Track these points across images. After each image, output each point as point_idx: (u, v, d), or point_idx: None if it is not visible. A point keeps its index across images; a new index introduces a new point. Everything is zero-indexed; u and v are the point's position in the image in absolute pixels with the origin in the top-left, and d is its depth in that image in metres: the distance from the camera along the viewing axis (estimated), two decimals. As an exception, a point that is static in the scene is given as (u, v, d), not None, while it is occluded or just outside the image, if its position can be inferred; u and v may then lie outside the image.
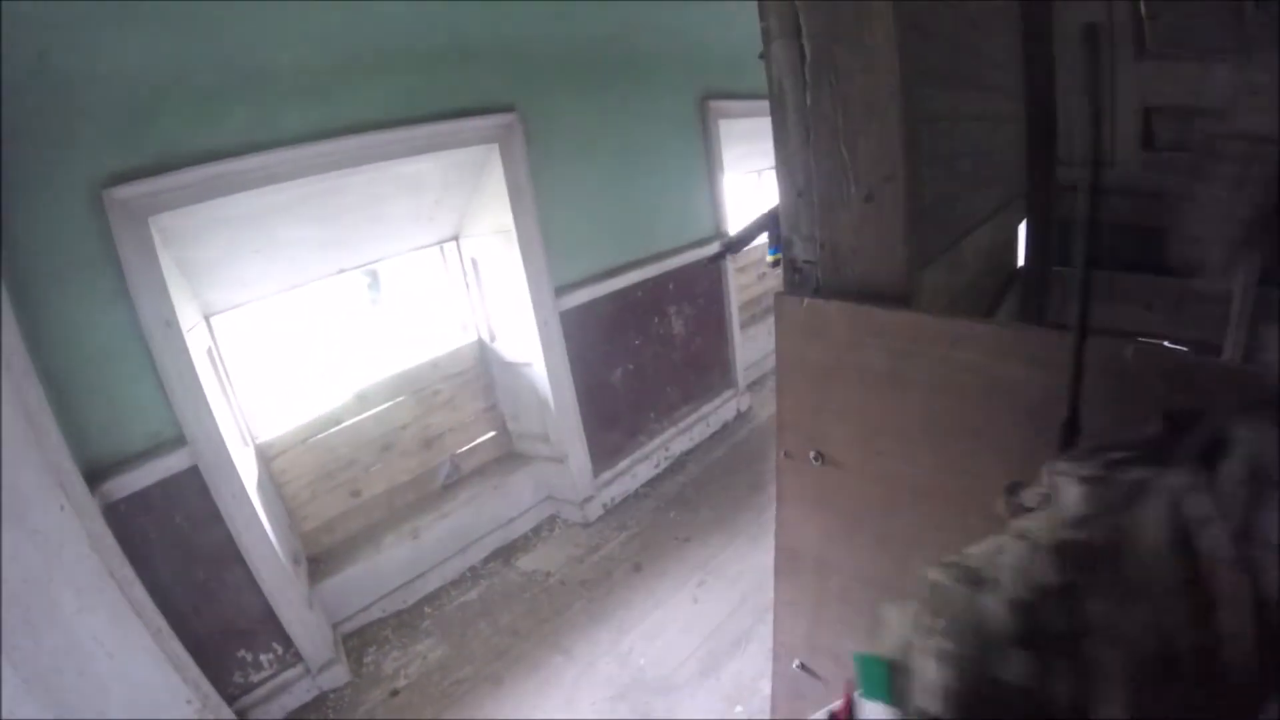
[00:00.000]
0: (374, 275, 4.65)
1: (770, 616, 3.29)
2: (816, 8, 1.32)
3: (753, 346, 6.07)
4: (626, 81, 4.37)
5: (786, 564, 1.93)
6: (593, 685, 3.41)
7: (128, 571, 2.74)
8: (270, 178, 3.04)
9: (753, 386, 6.10)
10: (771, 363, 5.65)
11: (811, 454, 1.60)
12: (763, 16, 1.41)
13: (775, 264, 3.22)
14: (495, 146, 3.76)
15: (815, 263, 1.52)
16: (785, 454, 1.68)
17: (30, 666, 2.51)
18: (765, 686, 3.00)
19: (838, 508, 1.66)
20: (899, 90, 1.29)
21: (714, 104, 5.04)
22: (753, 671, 3.30)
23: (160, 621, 2.85)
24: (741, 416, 5.82)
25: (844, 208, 1.43)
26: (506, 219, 3.93)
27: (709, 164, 5.19)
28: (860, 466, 1.56)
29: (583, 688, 3.41)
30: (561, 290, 4.27)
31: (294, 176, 3.12)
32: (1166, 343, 2.93)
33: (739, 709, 3.16)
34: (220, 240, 3.18)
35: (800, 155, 1.45)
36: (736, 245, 3.28)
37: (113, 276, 2.74)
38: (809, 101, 1.39)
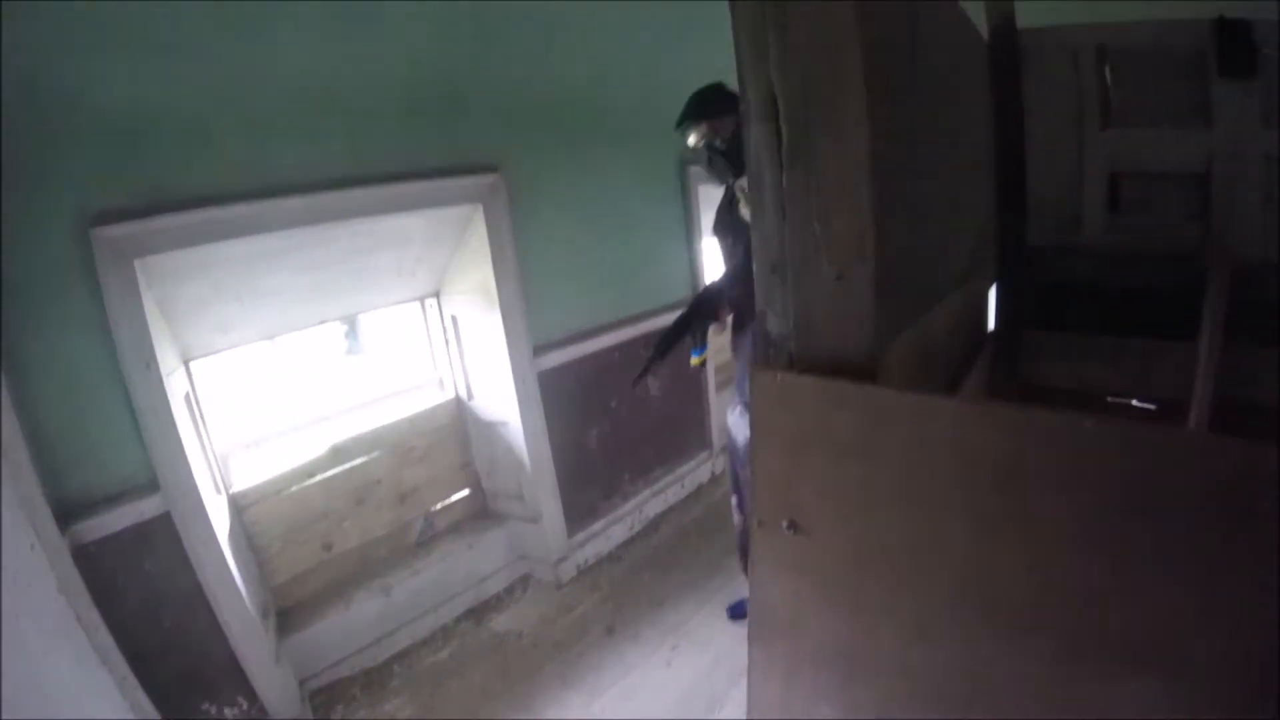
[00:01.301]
0: (352, 324, 4.64)
1: (744, 681, 3.32)
2: (793, 94, 1.38)
3: (721, 408, 6.02)
4: (608, 143, 4.47)
5: (760, 629, 1.93)
6: None
7: (94, 616, 2.67)
8: (259, 226, 3.07)
9: (726, 449, 6.05)
10: None
11: (784, 522, 1.62)
12: (742, 98, 1.47)
13: (701, 365, 3.61)
14: (479, 206, 3.81)
15: (789, 336, 1.56)
16: (759, 523, 1.70)
17: None
18: (739, 751, 3.10)
19: (810, 575, 1.66)
20: (870, 177, 1.34)
21: (694, 169, 5.13)
22: None
23: (125, 670, 2.76)
24: (715, 479, 5.78)
25: (816, 284, 1.47)
26: (488, 277, 3.97)
27: (687, 228, 5.30)
28: (831, 535, 1.56)
29: None
30: (540, 350, 4.29)
31: (283, 226, 3.15)
32: (1134, 401, 3.01)
33: (712, 775, 3.12)
34: (204, 284, 3.19)
35: (776, 232, 1.50)
36: (662, 353, 3.52)
37: (95, 313, 2.72)
38: (785, 182, 1.44)
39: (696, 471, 5.66)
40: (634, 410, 5.00)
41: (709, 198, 5.31)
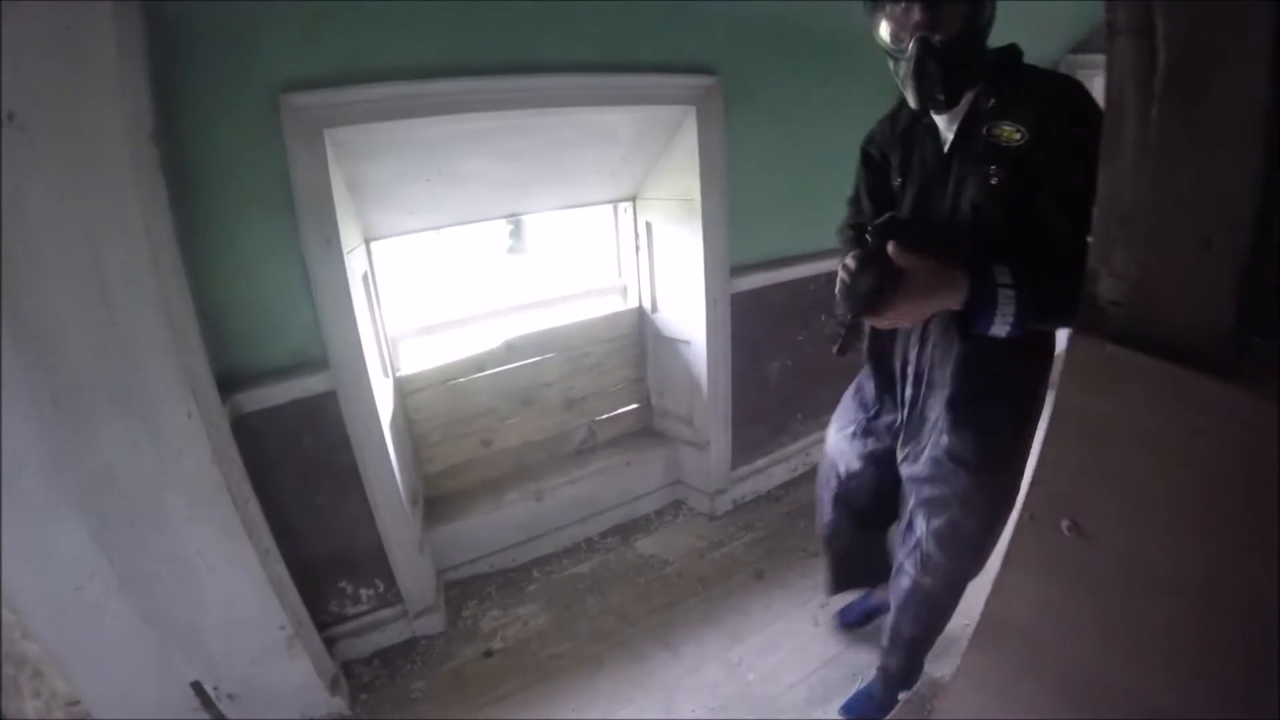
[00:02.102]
0: (517, 224, 4.42)
1: None
2: (1179, 7, 1.02)
3: None
4: (830, 61, 4.00)
5: (989, 632, 1.66)
6: (694, 690, 3.15)
7: (246, 488, 2.66)
8: (458, 105, 2.84)
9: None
10: None
11: (1065, 522, 1.32)
12: (1109, 8, 1.11)
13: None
14: (693, 109, 3.45)
15: (1122, 304, 1.22)
16: (1031, 516, 1.40)
17: (128, 564, 2.47)
18: (873, 726, 2.82)
19: (1081, 587, 1.37)
20: (1270, 126, 0.98)
21: None
22: None
23: (269, 542, 2.77)
24: None
25: (1175, 248, 1.13)
26: (693, 187, 3.65)
27: None
28: (1123, 547, 1.26)
29: (684, 690, 3.15)
30: (736, 271, 3.95)
31: (485, 109, 2.90)
32: None
33: (843, 747, 2.85)
34: (394, 163, 3.02)
35: (1131, 178, 1.15)
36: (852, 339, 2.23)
37: (279, 185, 2.61)
38: (1154, 116, 1.09)
39: None
40: (820, 347, 4.64)
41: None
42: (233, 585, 2.66)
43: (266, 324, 2.80)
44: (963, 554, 2.43)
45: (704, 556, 4.06)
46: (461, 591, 3.80)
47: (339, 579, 3.29)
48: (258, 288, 2.73)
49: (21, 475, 2.23)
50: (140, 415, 2.30)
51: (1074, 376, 1.26)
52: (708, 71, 3.44)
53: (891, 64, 1.95)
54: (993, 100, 1.91)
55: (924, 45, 1.80)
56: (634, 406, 4.52)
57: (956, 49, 1.82)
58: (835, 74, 3.95)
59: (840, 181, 4.33)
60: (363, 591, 3.36)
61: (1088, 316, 1.25)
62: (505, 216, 3.69)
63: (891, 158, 2.29)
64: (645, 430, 4.58)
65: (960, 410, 2.21)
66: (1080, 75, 4.58)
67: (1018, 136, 1.85)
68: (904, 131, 2.23)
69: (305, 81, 2.53)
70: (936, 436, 2.28)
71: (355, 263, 3.03)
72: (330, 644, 3.23)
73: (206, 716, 2.82)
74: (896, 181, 2.27)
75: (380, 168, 3.00)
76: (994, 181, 1.90)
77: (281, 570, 2.84)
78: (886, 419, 2.62)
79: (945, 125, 2.06)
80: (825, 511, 2.91)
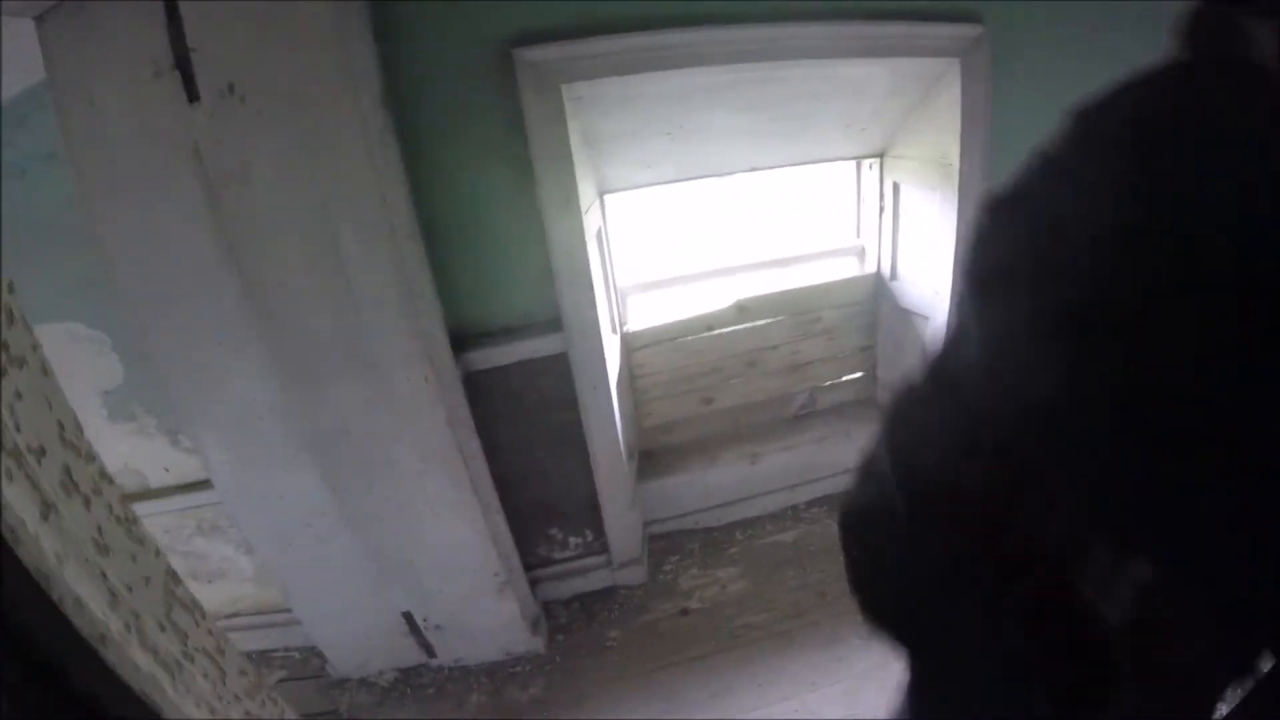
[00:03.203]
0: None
1: None
2: None
3: None
4: (1101, 8, 3.49)
5: None
6: (879, 688, 2.84)
7: (474, 444, 2.67)
8: (700, 58, 2.58)
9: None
10: None
11: None
12: None
13: None
14: (956, 61, 3.00)
15: None
16: None
17: (355, 506, 2.57)
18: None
19: None
20: None
21: None
22: None
23: (492, 495, 2.79)
24: None
25: None
26: (950, 148, 3.20)
27: None
28: None
29: (868, 686, 2.93)
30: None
31: (725, 61, 2.64)
32: None
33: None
34: (632, 117, 2.83)
35: None
36: None
37: (515, 143, 2.48)
38: None
39: None
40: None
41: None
42: (454, 532, 2.71)
43: (499, 283, 2.74)
44: None
45: (914, 544, 3.77)
46: (664, 546, 3.73)
47: (550, 525, 3.30)
48: (492, 247, 2.67)
49: (260, 424, 2.34)
50: (376, 376, 2.33)
51: None
52: (974, 20, 3.04)
53: None
54: None
55: None
56: (858, 375, 4.21)
57: None
58: (1107, 21, 3.44)
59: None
60: (571, 539, 3.36)
61: None
62: (744, 171, 3.47)
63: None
64: (867, 401, 4.26)
65: None
66: None
67: None
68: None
69: (539, 34, 2.37)
70: None
71: (590, 219, 2.90)
72: (534, 584, 3.27)
73: (413, 641, 2.97)
74: None
75: (617, 122, 2.82)
76: None
77: (500, 521, 2.86)
78: None
79: None
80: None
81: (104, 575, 0.95)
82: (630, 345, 3.57)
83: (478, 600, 2.91)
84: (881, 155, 3.68)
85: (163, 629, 1.05)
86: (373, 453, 2.47)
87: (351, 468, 2.49)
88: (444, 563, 2.78)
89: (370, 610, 2.85)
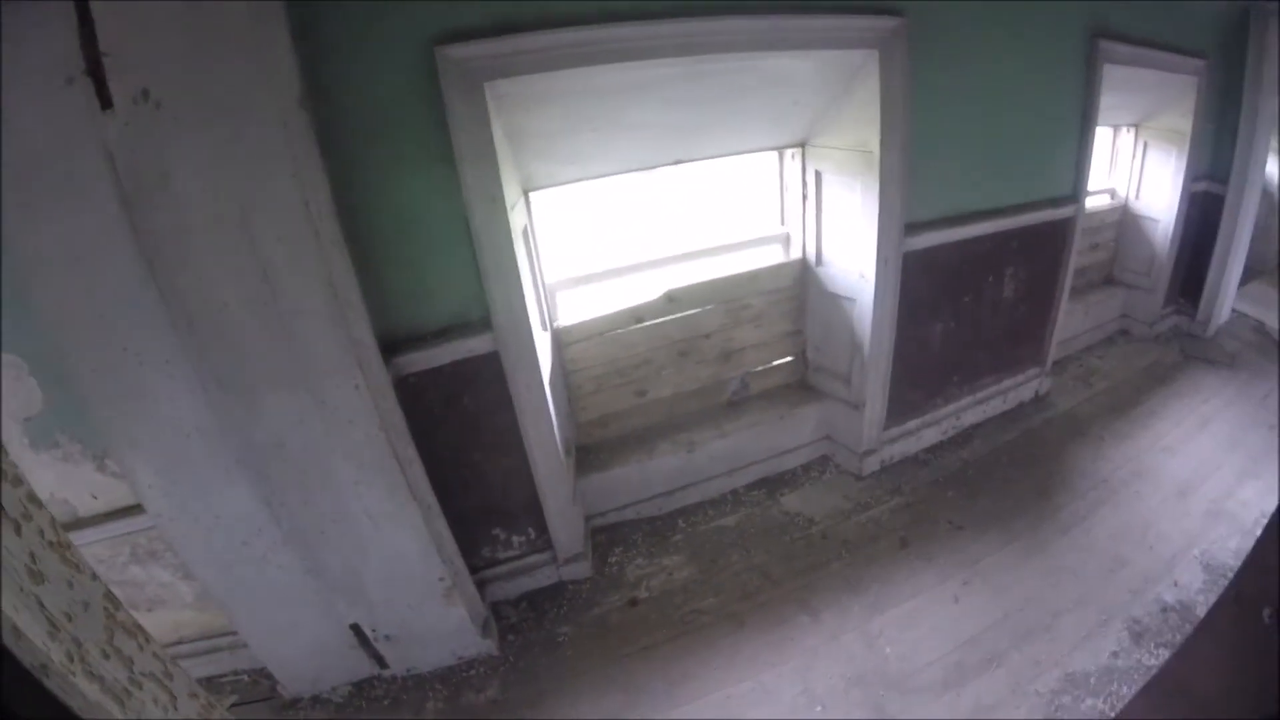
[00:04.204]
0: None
1: (1030, 645, 2.98)
2: None
3: (1066, 323, 5.06)
4: (1017, 3, 3.61)
5: (1162, 691, 1.44)
6: (833, 659, 3.00)
7: (410, 451, 2.62)
8: (624, 54, 2.58)
9: (1055, 368, 5.17)
10: (1080, 344, 4.98)
11: (1267, 611, 1.06)
12: None
13: None
14: (875, 53, 3.08)
15: None
16: (1236, 596, 1.16)
17: (294, 521, 2.50)
18: (1001, 718, 2.70)
19: (1264, 678, 1.14)
20: None
21: (1105, 45, 3.94)
22: (993, 699, 2.77)
23: (431, 500, 2.74)
24: (1039, 400, 4.92)
25: None
26: (870, 137, 3.29)
27: (1084, 114, 4.12)
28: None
29: (822, 658, 3.01)
30: (910, 229, 3.61)
31: (649, 56, 2.64)
32: None
33: (969, 736, 2.64)
34: (556, 113, 2.80)
35: None
36: None
37: (437, 142, 2.45)
38: None
39: (1022, 388, 4.80)
40: (983, 309, 4.27)
41: (1108, 81, 4.12)
42: (396, 541, 2.67)
43: (428, 285, 2.69)
44: None
45: (849, 518, 3.84)
46: (608, 538, 3.73)
47: (493, 526, 3.27)
48: (419, 248, 2.62)
49: (190, 442, 2.25)
50: (307, 388, 2.26)
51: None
52: (893, 13, 3.09)
53: None
54: None
55: None
56: (789, 360, 4.27)
57: None
58: (1021, 16, 3.54)
59: (1017, 132, 3.96)
60: (515, 538, 3.34)
61: None
62: (670, 164, 3.46)
63: None
64: (799, 384, 4.33)
65: None
66: None
67: None
68: None
69: (461, 32, 2.33)
70: None
71: (516, 217, 2.88)
72: (481, 586, 3.23)
73: (364, 653, 2.90)
74: None
75: (542, 118, 2.80)
76: None
77: (442, 525, 2.81)
78: None
79: None
80: None
81: (40, 603, 0.91)
82: (562, 341, 3.55)
83: (425, 607, 2.86)
84: (804, 145, 3.74)
85: (106, 656, 1.01)
86: (308, 466, 2.40)
87: (287, 482, 2.41)
88: (388, 572, 2.73)
89: (317, 626, 2.78)
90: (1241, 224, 5.44)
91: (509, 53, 2.41)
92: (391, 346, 2.64)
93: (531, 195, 3.24)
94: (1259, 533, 1.16)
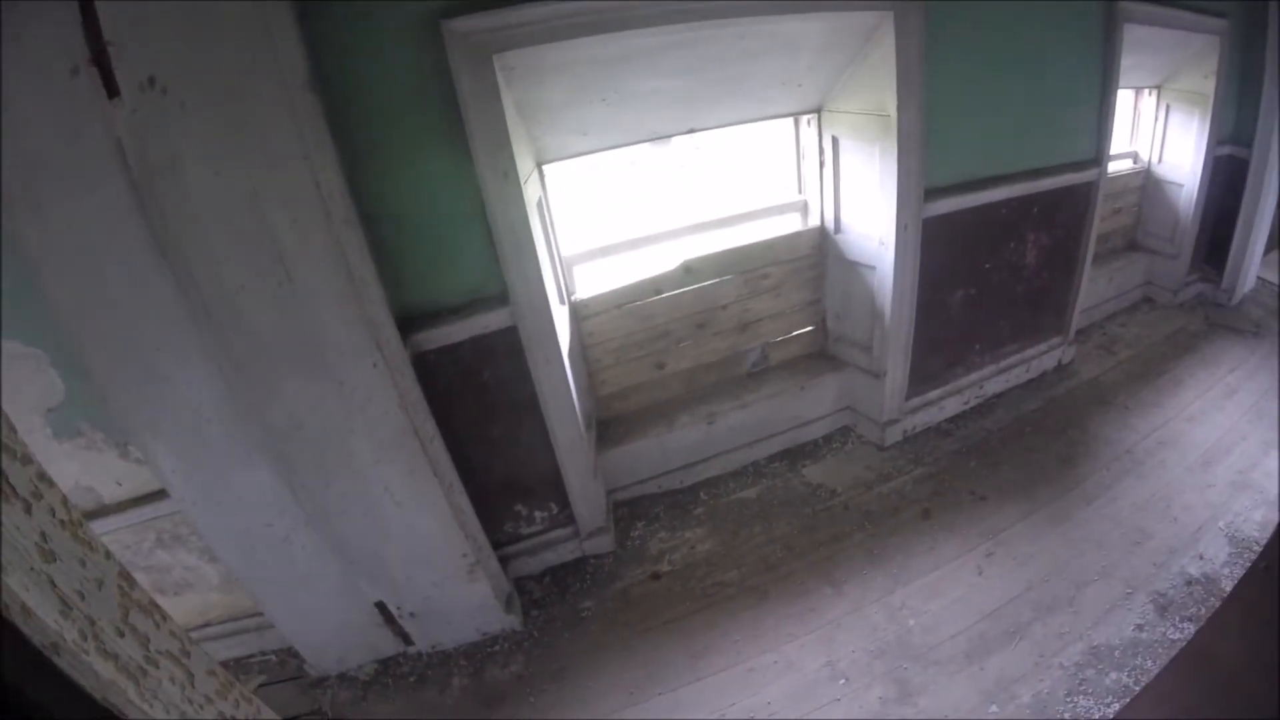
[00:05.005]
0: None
1: (1054, 617, 2.93)
2: None
3: (1088, 290, 4.91)
4: None
5: (1192, 662, 1.40)
6: (855, 631, 2.98)
7: (430, 427, 2.61)
8: (629, 21, 2.52)
9: (1078, 337, 5.07)
10: (1102, 313, 4.78)
11: None
12: None
13: None
14: (889, 13, 2.99)
15: None
16: (1265, 566, 1.11)
17: (315, 504, 2.50)
18: (1024, 691, 2.66)
19: None
20: None
21: (1125, 3, 3.80)
22: (1016, 672, 2.74)
23: (453, 477, 2.74)
24: (1062, 369, 4.83)
25: None
26: (887, 100, 3.20)
27: (1104, 75, 3.99)
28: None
29: (844, 630, 2.99)
30: (930, 194, 3.53)
31: (657, 23, 2.57)
32: None
33: (993, 709, 2.61)
34: (566, 85, 2.75)
35: None
36: None
37: (448, 118, 2.40)
38: None
39: (1044, 357, 4.71)
40: (1005, 276, 4.18)
41: (1129, 41, 3.99)
42: (418, 519, 2.66)
43: (444, 261, 2.66)
44: None
45: (871, 489, 3.80)
46: (630, 512, 3.72)
47: (515, 502, 3.26)
48: (433, 225, 2.58)
49: (210, 427, 2.25)
50: (325, 368, 2.25)
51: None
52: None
53: None
54: None
55: None
56: (808, 330, 4.22)
57: None
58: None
59: (1038, 95, 3.84)
60: (537, 513, 3.33)
61: None
62: (683, 133, 3.38)
63: None
64: (819, 354, 4.27)
65: None
66: None
67: None
68: None
69: (467, 4, 2.27)
70: None
71: (530, 191, 2.82)
72: (504, 562, 3.22)
73: (389, 631, 2.91)
74: None
75: (552, 90, 2.74)
76: None
77: (464, 501, 2.80)
78: None
79: None
80: None
81: (52, 582, 0.90)
82: (580, 314, 3.52)
83: (449, 584, 2.86)
84: (819, 110, 3.65)
85: (121, 634, 1.00)
86: (327, 446, 2.39)
87: (307, 463, 2.40)
88: (411, 550, 2.72)
89: (342, 605, 2.79)
90: (1267, 190, 5.26)
91: (515, 24, 2.35)
92: (408, 324, 2.62)
93: (545, 168, 3.20)
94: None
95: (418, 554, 2.73)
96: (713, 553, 3.44)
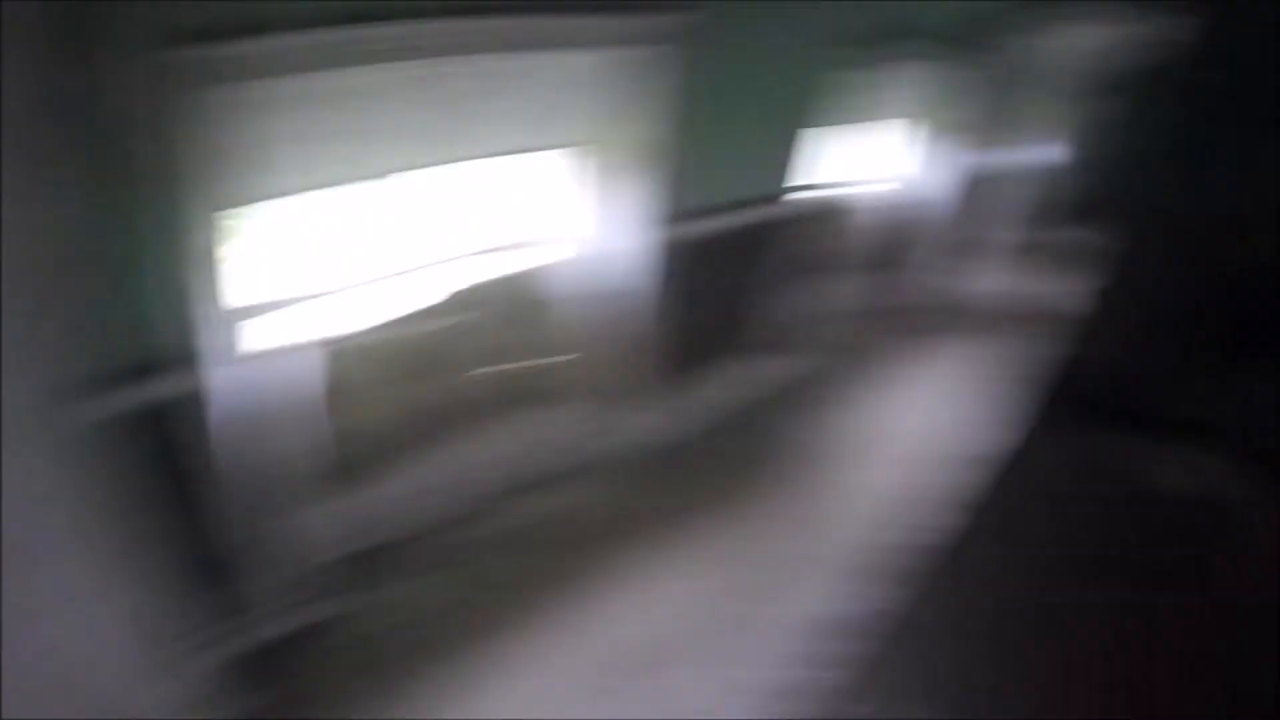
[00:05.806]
0: None
1: None
2: None
3: None
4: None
5: None
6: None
7: (115, 508, 2.19)
8: (366, 56, 2.37)
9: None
10: None
11: None
12: None
13: None
14: (651, 50, 3.08)
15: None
16: None
17: None
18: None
19: None
20: None
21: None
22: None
23: (145, 564, 2.35)
24: None
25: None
26: (647, 133, 3.33)
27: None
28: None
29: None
30: (678, 218, 3.71)
31: (401, 58, 2.45)
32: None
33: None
34: (289, 120, 2.46)
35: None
36: None
37: (147, 155, 2.06)
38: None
39: None
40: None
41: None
42: (103, 619, 2.24)
43: (133, 313, 2.27)
44: None
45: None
46: (366, 563, 3.44)
47: (230, 573, 2.87)
48: (122, 274, 2.20)
49: None
50: None
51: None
52: (671, 10, 3.02)
53: None
54: None
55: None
56: (564, 359, 4.17)
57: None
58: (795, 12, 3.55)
59: (779, 127, 4.00)
60: (262, 584, 2.98)
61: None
62: (430, 167, 3.17)
63: None
64: (577, 387, 4.26)
65: None
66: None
67: None
68: None
69: (176, 35, 1.96)
70: None
71: (249, 233, 2.58)
72: (226, 638, 2.91)
73: None
74: None
75: (273, 126, 2.44)
76: None
77: (161, 589, 2.45)
78: None
79: None
80: None
81: None
82: (319, 354, 3.17)
83: (155, 678, 2.48)
84: (581, 143, 3.57)
85: None
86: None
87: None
88: (96, 656, 2.29)
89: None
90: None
91: (230, 58, 2.07)
92: (92, 386, 2.18)
93: (269, 205, 2.85)
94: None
95: (105, 661, 2.33)
96: (455, 597, 3.38)
